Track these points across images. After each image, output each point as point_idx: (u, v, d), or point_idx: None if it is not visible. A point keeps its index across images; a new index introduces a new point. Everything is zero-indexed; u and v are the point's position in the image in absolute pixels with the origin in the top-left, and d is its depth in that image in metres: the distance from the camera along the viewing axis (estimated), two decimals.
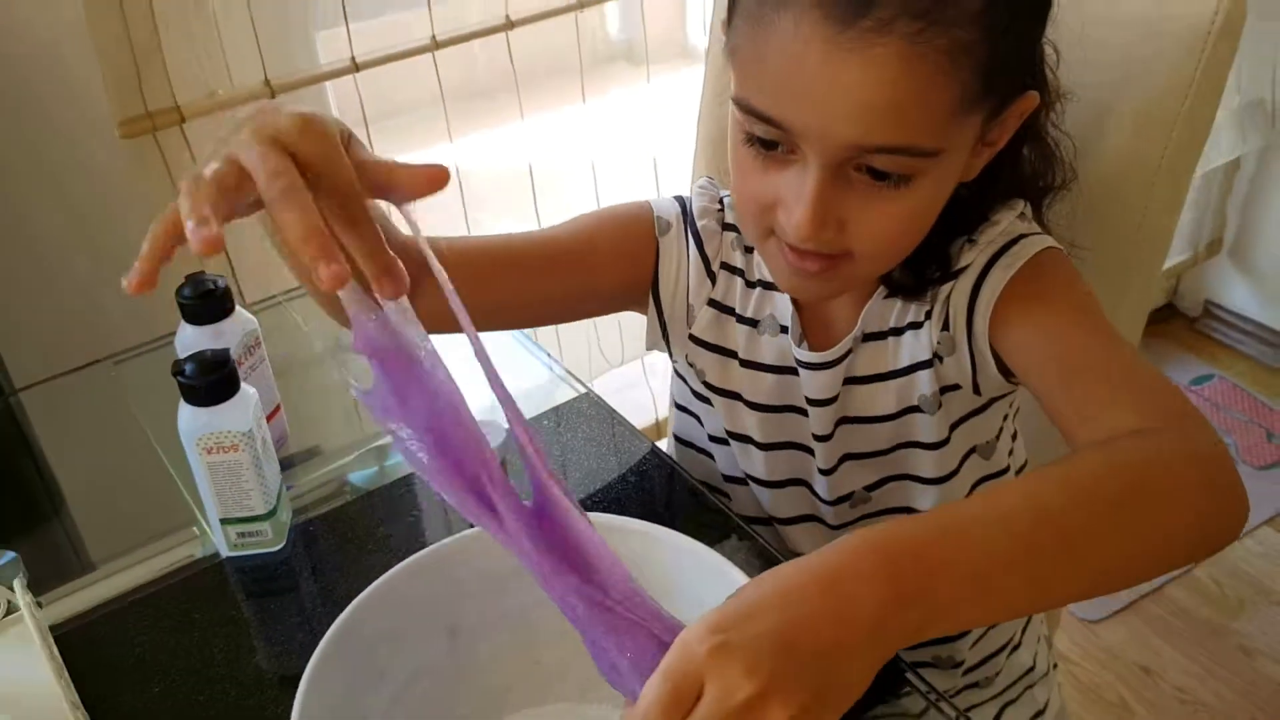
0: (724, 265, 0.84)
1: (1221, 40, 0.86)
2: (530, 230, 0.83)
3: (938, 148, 0.64)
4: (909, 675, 0.72)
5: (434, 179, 0.54)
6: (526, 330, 1.08)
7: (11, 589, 0.76)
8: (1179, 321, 2.43)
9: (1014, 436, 0.88)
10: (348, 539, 0.86)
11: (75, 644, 0.77)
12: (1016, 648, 0.94)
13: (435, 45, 1.17)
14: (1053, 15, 0.70)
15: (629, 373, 1.71)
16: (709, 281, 0.84)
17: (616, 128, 1.65)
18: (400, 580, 0.67)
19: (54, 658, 0.68)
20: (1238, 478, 0.60)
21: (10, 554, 0.82)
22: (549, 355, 1.07)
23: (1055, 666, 1.01)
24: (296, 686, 0.60)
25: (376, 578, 0.67)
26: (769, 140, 0.66)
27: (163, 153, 1.07)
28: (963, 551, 0.53)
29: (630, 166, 1.54)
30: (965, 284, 0.74)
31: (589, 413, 0.97)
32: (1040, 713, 0.96)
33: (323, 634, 0.63)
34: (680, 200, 0.85)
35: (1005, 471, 0.86)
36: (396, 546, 0.84)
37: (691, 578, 0.67)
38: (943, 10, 0.59)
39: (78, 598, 0.84)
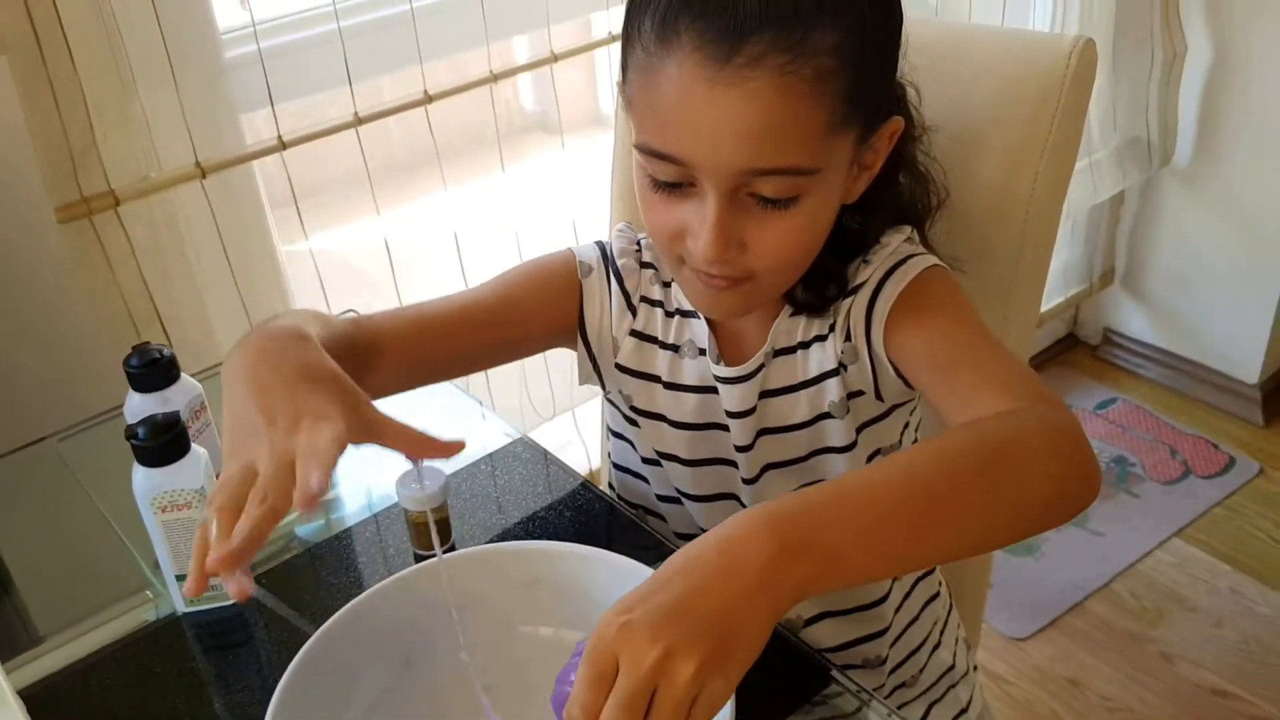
0: (644, 299, 0.91)
1: (1075, 84, 0.95)
2: (462, 291, 0.89)
3: (816, 166, 0.72)
4: (836, 674, 0.78)
5: (451, 448, 0.65)
6: (459, 382, 1.14)
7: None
8: (1081, 350, 2.55)
9: (916, 430, 0.95)
10: (298, 590, 0.90)
11: (37, 703, 0.80)
12: (937, 647, 1.00)
13: (358, 120, 1.23)
14: (904, 53, 0.79)
15: (561, 427, 1.76)
16: (629, 314, 0.91)
17: (535, 193, 1.72)
18: (356, 614, 0.72)
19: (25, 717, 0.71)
20: (1089, 449, 0.69)
21: None
22: (481, 404, 1.12)
23: (975, 668, 1.08)
24: None
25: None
26: (670, 182, 0.75)
27: (99, 236, 1.11)
28: (845, 509, 0.60)
29: (550, 228, 1.61)
30: (862, 299, 0.82)
31: (524, 455, 1.02)
32: (963, 711, 1.02)
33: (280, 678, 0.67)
34: (600, 245, 0.92)
35: None
36: (346, 594, 0.88)
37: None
38: (804, 44, 0.68)
39: (35, 665, 0.87)
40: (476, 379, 1.49)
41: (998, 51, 1.01)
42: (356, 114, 1.22)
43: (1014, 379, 0.73)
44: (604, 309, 0.91)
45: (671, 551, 0.89)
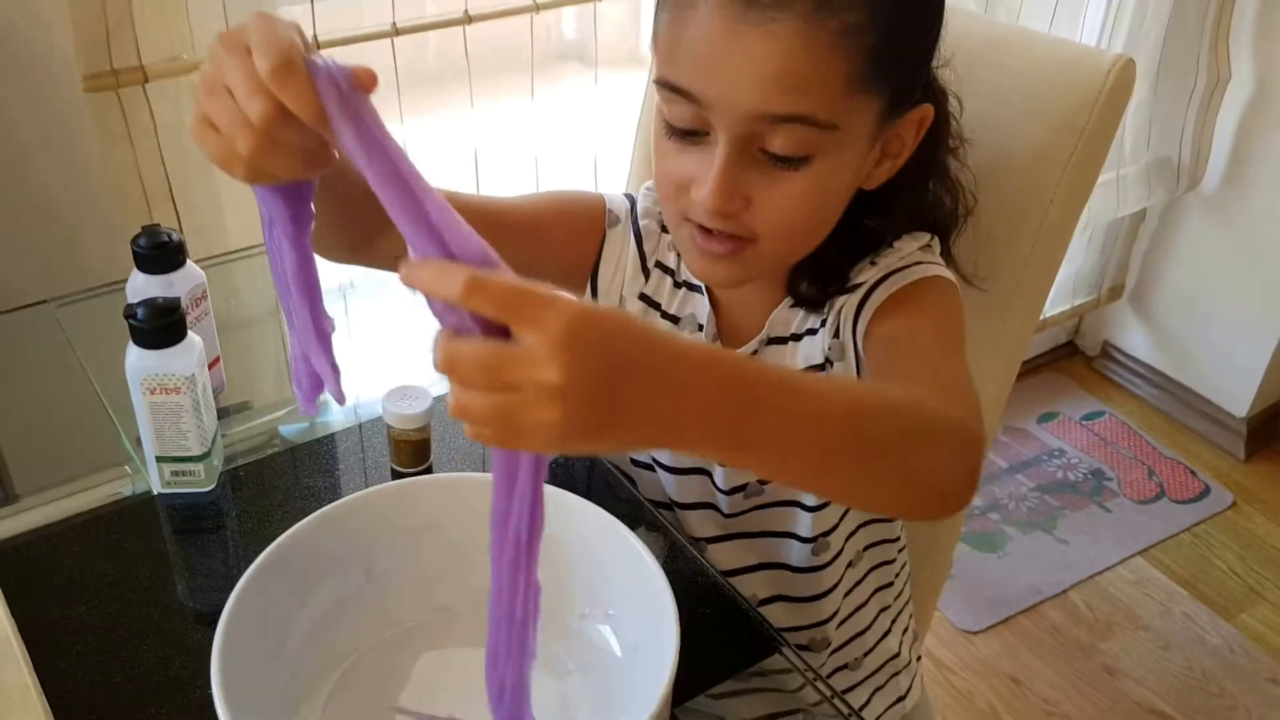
0: (658, 264, 0.91)
1: (1110, 99, 0.95)
2: (496, 195, 0.89)
3: (832, 122, 0.72)
4: (786, 651, 0.80)
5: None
6: None
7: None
8: (1078, 359, 2.56)
9: None
10: (274, 486, 0.91)
11: (4, 561, 0.82)
12: (885, 634, 1.02)
13: (395, 32, 1.22)
14: (945, 59, 0.78)
15: None
16: (643, 276, 0.91)
17: (562, 123, 1.71)
18: (326, 520, 0.73)
19: None
20: (980, 462, 0.68)
21: None
22: None
23: (919, 659, 1.10)
24: (217, 613, 0.66)
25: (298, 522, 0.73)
26: (685, 130, 0.74)
27: (123, 109, 1.11)
28: (787, 404, 0.57)
29: (571, 160, 1.60)
30: (855, 297, 0.82)
31: None
32: (901, 699, 1.04)
33: (244, 571, 0.69)
34: (630, 198, 0.92)
35: None
36: (320, 498, 0.90)
37: (595, 543, 0.74)
38: None
39: (6, 524, 0.89)
40: None
41: (1037, 56, 1.00)
42: (395, 25, 1.21)
43: (957, 390, 0.73)
44: (620, 264, 0.91)
45: (648, 517, 0.91)
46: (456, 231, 0.53)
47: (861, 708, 1.02)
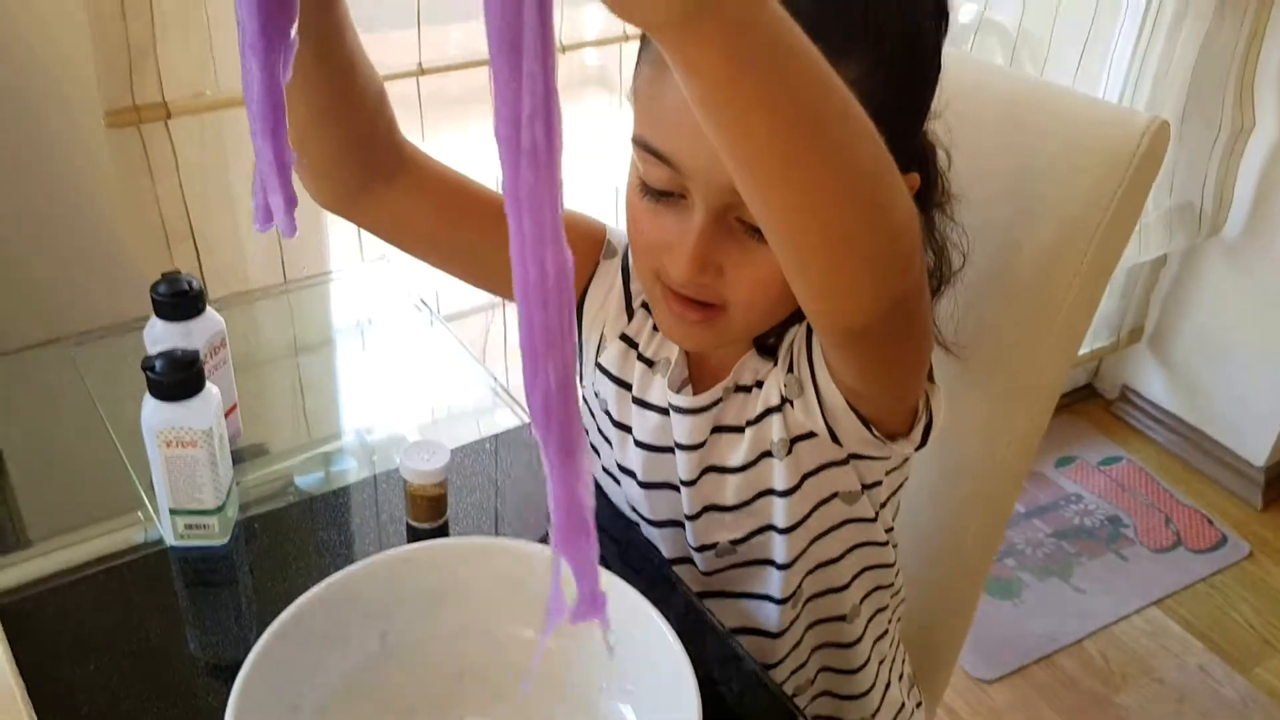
0: (644, 304, 0.88)
1: (1144, 163, 0.93)
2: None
3: None
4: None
5: None
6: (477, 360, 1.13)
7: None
8: (1097, 402, 2.54)
9: (891, 494, 0.90)
10: (288, 539, 0.90)
11: (12, 615, 0.80)
12: (888, 686, 1.00)
13: (420, 71, 1.22)
14: (936, 111, 0.76)
15: None
16: (626, 315, 0.89)
17: (584, 150, 1.70)
18: (341, 585, 0.72)
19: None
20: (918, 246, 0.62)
21: None
22: (494, 379, 1.12)
23: (920, 705, 1.08)
24: (229, 672, 0.64)
25: (313, 578, 0.71)
26: (660, 190, 0.72)
27: (145, 145, 1.11)
28: (780, 19, 0.48)
29: (593, 188, 1.59)
30: (803, 325, 0.80)
31: (530, 442, 1.02)
32: None
33: (258, 626, 0.67)
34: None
35: (873, 521, 0.89)
36: (335, 551, 0.89)
37: (616, 617, 0.73)
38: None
39: (17, 570, 0.87)
40: (494, 357, 1.49)
41: (1070, 115, 0.99)
42: (420, 65, 1.20)
43: None
44: (607, 298, 0.89)
45: (658, 564, 0.89)
46: None
47: None
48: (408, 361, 1.18)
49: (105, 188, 1.13)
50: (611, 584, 0.73)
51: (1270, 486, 2.27)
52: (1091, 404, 2.53)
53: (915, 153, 0.78)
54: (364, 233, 1.31)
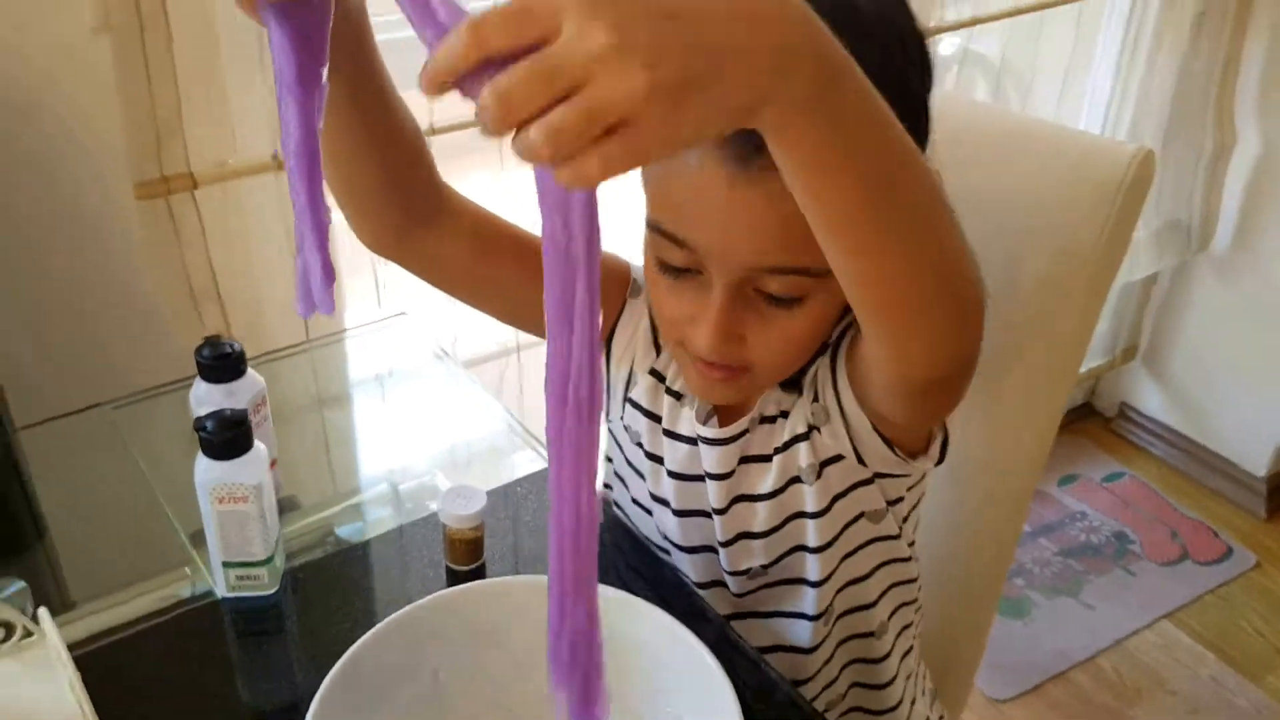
0: None
1: (1132, 191, 0.98)
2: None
3: (825, 269, 0.72)
4: None
5: None
6: (501, 404, 1.17)
7: (26, 613, 0.83)
8: (1096, 420, 2.58)
9: (913, 508, 0.94)
10: (333, 587, 0.94)
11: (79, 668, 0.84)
12: (914, 701, 1.03)
13: (432, 131, 1.26)
14: (928, 156, 0.80)
15: None
16: (653, 350, 0.93)
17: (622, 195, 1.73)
18: (399, 625, 0.76)
19: (75, 682, 0.75)
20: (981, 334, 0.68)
21: (19, 583, 0.89)
22: (519, 423, 1.16)
23: (943, 718, 1.11)
24: (287, 717, 0.68)
25: (360, 623, 0.75)
26: (678, 266, 0.77)
27: (173, 215, 1.15)
28: (864, 92, 0.53)
29: (622, 227, 1.62)
30: (826, 356, 0.84)
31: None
32: None
33: (312, 671, 0.71)
34: None
35: (897, 538, 0.93)
36: (379, 597, 0.93)
37: (656, 644, 0.77)
38: None
39: (70, 629, 0.91)
40: (510, 403, 1.53)
41: (1059, 149, 1.04)
42: (432, 125, 1.25)
43: None
44: (635, 334, 0.93)
45: (689, 595, 0.93)
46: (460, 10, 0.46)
47: None
48: (432, 409, 1.22)
49: (136, 256, 1.18)
50: (650, 613, 0.77)
51: (1273, 496, 2.31)
52: (1091, 422, 2.57)
53: None
54: (382, 289, 1.36)
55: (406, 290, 1.37)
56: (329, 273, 0.65)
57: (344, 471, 1.17)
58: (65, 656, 0.76)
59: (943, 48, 1.82)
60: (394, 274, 1.36)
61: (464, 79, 0.44)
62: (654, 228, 0.77)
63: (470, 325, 1.44)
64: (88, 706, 0.72)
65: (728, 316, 0.76)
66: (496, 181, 1.35)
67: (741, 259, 0.74)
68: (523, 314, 0.94)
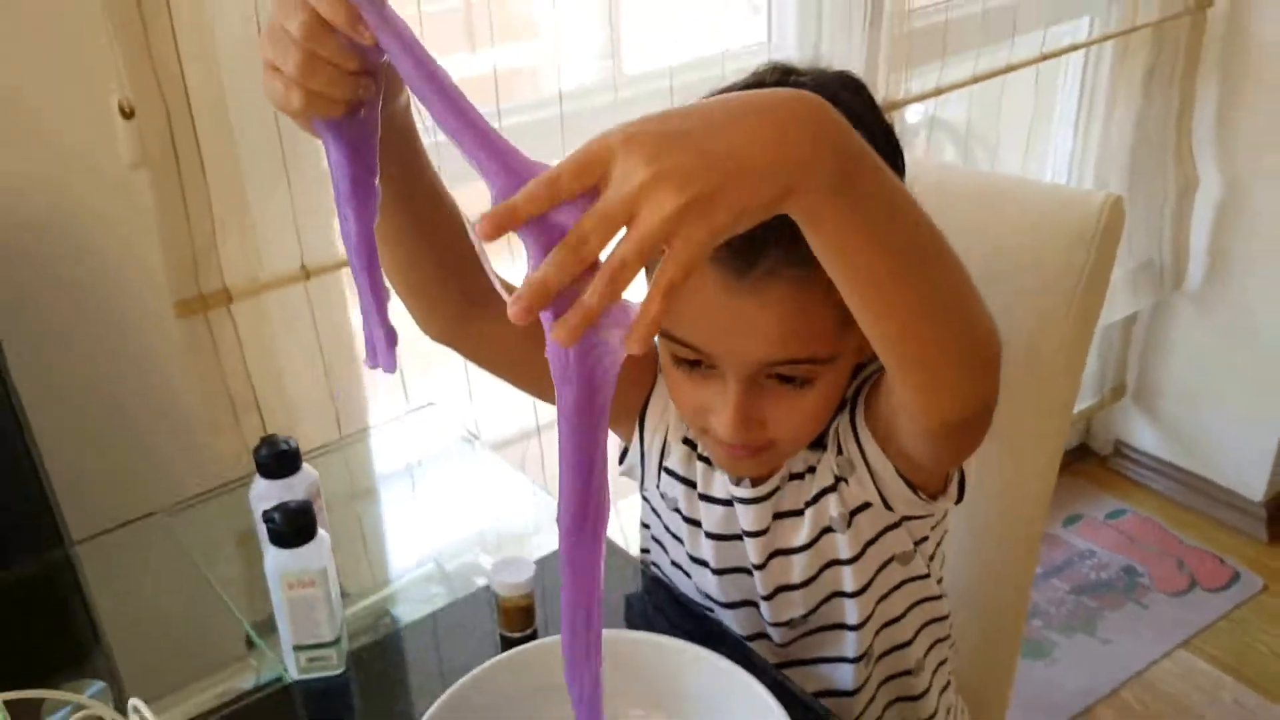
0: None
1: (1106, 235, 1.06)
2: None
3: (831, 355, 0.82)
4: None
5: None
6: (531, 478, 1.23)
7: (127, 709, 0.88)
8: (1092, 460, 2.64)
9: (938, 545, 1.00)
10: (395, 663, 0.99)
11: None
12: (944, 689, 1.08)
13: None
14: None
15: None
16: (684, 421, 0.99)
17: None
18: (465, 690, 0.81)
19: None
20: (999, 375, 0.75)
21: (100, 683, 0.94)
22: (545, 490, 1.22)
23: (964, 712, 1.15)
24: None
25: (424, 695, 0.79)
26: (692, 360, 0.84)
27: (211, 329, 1.23)
28: (881, 175, 0.59)
29: None
30: (845, 411, 0.91)
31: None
32: None
33: None
34: None
35: (926, 577, 0.99)
36: (439, 669, 0.98)
37: (700, 679, 0.82)
38: (813, 258, 0.73)
39: None
40: (535, 477, 1.59)
41: (1032, 202, 1.12)
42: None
43: None
44: (668, 407, 0.99)
45: (735, 644, 0.98)
46: (513, 151, 0.55)
47: None
48: (466, 491, 1.28)
49: (178, 371, 1.25)
50: (709, 659, 0.83)
51: (1273, 520, 2.37)
52: (1088, 463, 2.64)
53: None
54: (409, 384, 1.43)
55: (430, 384, 1.45)
56: (391, 338, 0.73)
57: (390, 557, 1.22)
58: None
59: (909, 115, 1.92)
60: (417, 367, 1.44)
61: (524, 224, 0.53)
62: (664, 334, 0.84)
63: (492, 411, 1.51)
64: None
65: (745, 406, 0.83)
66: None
67: (750, 358, 0.81)
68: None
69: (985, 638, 1.24)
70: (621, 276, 0.51)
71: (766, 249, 0.76)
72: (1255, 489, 2.36)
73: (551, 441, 1.64)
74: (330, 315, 1.32)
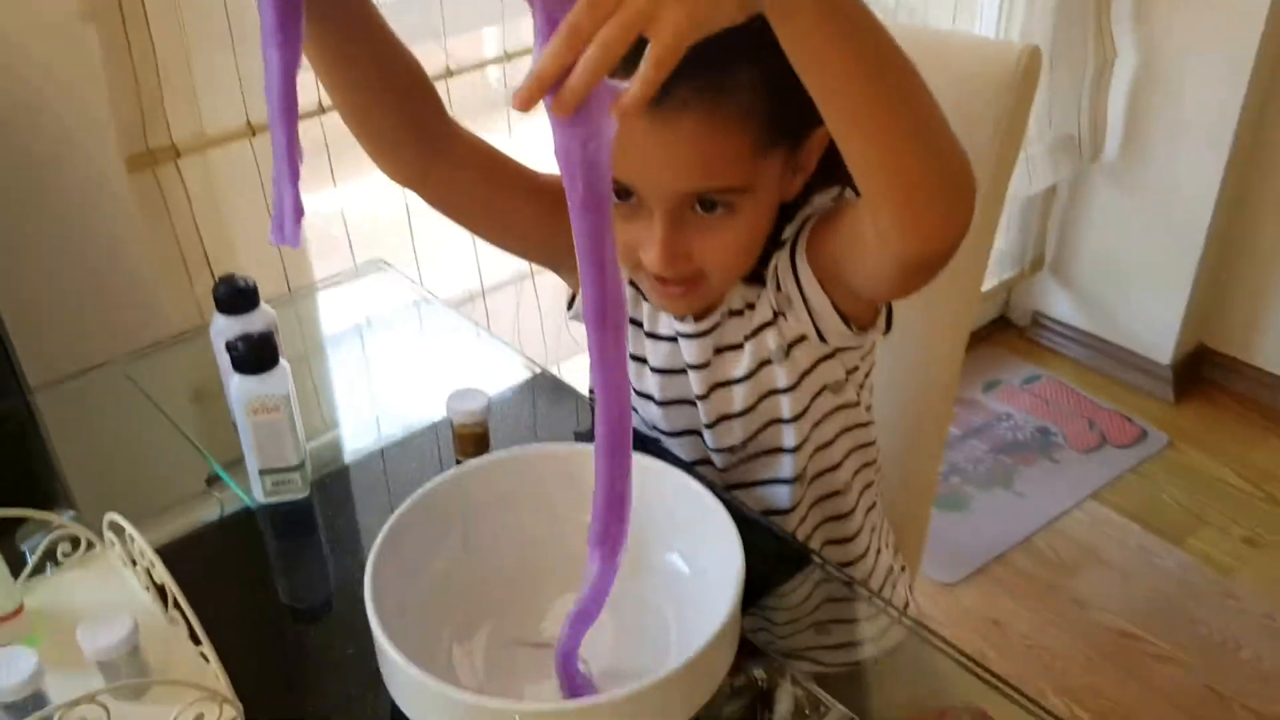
0: None
1: (1023, 85, 1.12)
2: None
3: (747, 185, 0.87)
4: (818, 560, 0.95)
5: None
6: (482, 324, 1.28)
7: (109, 528, 0.92)
8: (1011, 331, 2.75)
9: (866, 375, 1.07)
10: (357, 488, 1.05)
11: None
12: (879, 551, 1.17)
13: (448, 74, 1.37)
14: None
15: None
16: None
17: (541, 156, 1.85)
18: (428, 497, 0.87)
19: (158, 564, 0.85)
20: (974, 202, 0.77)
21: (71, 512, 0.99)
22: (506, 344, 1.28)
23: (904, 569, 1.25)
24: (325, 605, 0.83)
25: (384, 513, 0.84)
26: (620, 199, 0.88)
27: (160, 185, 1.25)
28: None
29: None
30: (785, 251, 0.96)
31: (546, 386, 1.18)
32: (904, 608, 1.20)
33: (347, 561, 0.85)
34: None
35: (856, 404, 1.07)
36: (399, 492, 1.03)
37: (663, 493, 0.89)
38: (725, 84, 0.81)
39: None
40: (484, 317, 1.64)
41: (954, 54, 1.17)
42: (448, 67, 1.36)
43: None
44: None
45: (682, 465, 1.05)
46: None
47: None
48: (421, 341, 1.33)
49: (130, 226, 1.27)
50: (655, 466, 0.90)
51: (1179, 381, 2.50)
52: (1008, 333, 2.75)
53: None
54: (355, 245, 1.46)
55: (376, 249, 1.48)
56: (298, 210, 0.76)
57: (346, 399, 1.26)
58: (143, 545, 0.85)
59: None
60: (366, 231, 1.47)
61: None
62: None
63: (439, 273, 1.55)
64: (172, 584, 0.82)
65: (670, 237, 0.88)
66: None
67: (669, 188, 0.86)
68: (534, 245, 1.05)
69: (906, 485, 1.33)
70: (608, 54, 0.56)
71: (678, 83, 0.79)
72: (1163, 352, 2.48)
73: (495, 302, 1.69)
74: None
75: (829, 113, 0.70)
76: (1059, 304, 2.66)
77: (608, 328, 0.64)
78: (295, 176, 0.74)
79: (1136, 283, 2.49)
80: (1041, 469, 2.32)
